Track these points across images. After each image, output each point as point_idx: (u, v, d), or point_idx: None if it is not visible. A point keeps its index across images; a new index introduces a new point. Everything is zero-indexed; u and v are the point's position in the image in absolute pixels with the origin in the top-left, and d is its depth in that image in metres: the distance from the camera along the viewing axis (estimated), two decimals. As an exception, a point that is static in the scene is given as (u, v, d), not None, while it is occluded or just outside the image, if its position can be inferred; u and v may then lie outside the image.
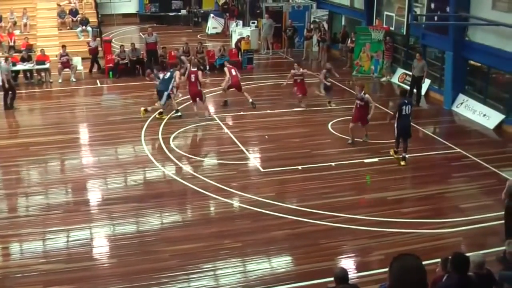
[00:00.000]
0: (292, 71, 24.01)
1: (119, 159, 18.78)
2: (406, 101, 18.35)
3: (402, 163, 18.12)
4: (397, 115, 18.07)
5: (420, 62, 24.58)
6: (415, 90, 24.79)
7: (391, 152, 18.63)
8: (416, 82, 24.80)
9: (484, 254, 10.19)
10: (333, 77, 24.72)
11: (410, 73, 25.85)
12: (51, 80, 27.04)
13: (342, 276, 8.98)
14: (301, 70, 24.06)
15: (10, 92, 23.50)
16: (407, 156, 18.15)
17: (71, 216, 14.68)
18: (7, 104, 23.39)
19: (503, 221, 12.99)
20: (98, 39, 31.34)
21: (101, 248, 13.41)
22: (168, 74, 22.56)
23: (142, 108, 22.16)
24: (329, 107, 23.82)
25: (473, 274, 8.52)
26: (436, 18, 24.99)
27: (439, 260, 9.57)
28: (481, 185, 16.91)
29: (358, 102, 19.50)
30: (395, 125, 18.19)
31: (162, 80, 22.52)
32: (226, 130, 21.02)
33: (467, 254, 8.87)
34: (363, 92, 19.56)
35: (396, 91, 26.55)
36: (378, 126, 20.15)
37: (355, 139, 19.72)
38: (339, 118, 21.97)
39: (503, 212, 13.06)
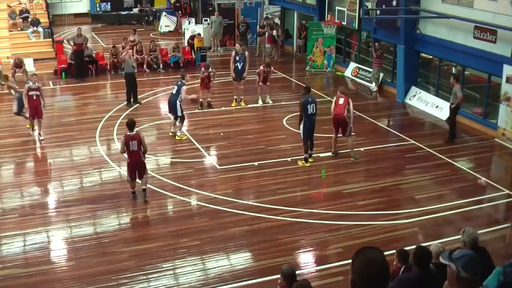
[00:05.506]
0: None
1: (74, 160, 18.55)
2: (310, 99, 17.39)
3: (311, 160, 17.80)
4: (303, 115, 17.34)
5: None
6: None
7: (300, 163, 17.71)
8: None
9: (441, 243, 10.34)
10: None
11: (364, 67, 26.03)
12: (3, 83, 26.58)
13: (290, 273, 9.06)
14: None
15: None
16: (313, 154, 18.01)
17: (27, 220, 14.48)
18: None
19: (457, 211, 13.19)
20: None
21: (58, 251, 13.25)
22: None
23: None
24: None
25: (432, 265, 8.62)
26: (387, 12, 25.23)
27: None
28: (435, 175, 17.16)
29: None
30: (301, 126, 17.50)
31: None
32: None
33: (423, 245, 8.99)
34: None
35: (349, 85, 26.80)
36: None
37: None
38: (293, 114, 21.94)
39: (456, 202, 13.28)
